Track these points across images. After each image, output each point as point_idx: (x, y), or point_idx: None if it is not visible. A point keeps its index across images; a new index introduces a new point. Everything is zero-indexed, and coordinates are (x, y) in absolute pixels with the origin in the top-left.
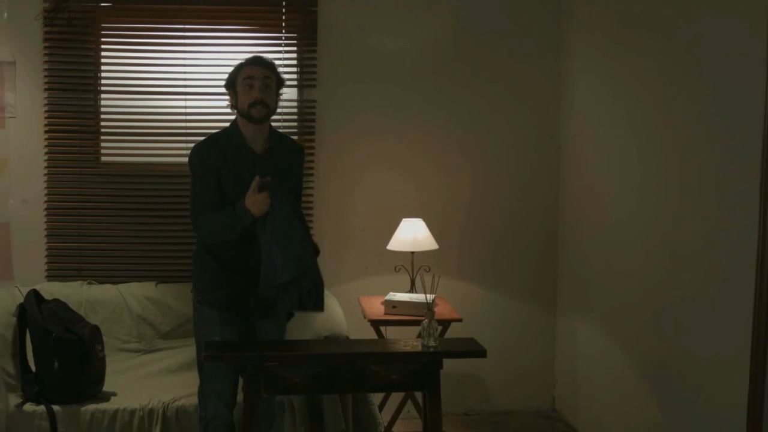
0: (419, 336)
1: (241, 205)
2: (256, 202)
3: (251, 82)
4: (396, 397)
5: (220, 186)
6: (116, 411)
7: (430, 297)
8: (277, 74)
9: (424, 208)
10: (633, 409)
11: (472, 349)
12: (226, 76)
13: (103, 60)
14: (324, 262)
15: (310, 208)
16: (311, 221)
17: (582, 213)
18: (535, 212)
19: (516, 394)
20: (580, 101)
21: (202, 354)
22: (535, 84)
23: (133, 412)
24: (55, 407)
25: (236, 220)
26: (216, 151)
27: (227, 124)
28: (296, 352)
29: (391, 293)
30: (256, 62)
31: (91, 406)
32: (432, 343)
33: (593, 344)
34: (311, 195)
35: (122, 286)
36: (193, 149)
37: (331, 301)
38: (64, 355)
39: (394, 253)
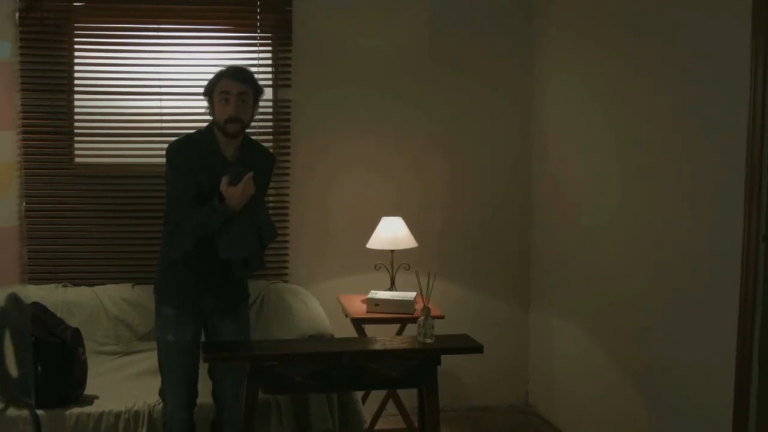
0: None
1: (218, 203)
2: (234, 195)
3: (227, 97)
4: (376, 396)
5: (198, 184)
6: (101, 414)
7: (411, 294)
8: (255, 86)
9: (401, 206)
10: (609, 401)
11: (469, 345)
12: (201, 76)
13: (76, 60)
14: (301, 262)
15: (286, 208)
16: (287, 221)
17: (555, 210)
18: (511, 210)
19: (490, 390)
20: (552, 98)
21: (161, 353)
22: (510, 81)
23: (118, 415)
24: (39, 411)
25: (215, 215)
26: (193, 150)
27: (203, 125)
28: (297, 350)
29: (372, 291)
30: (233, 76)
31: (76, 410)
32: (429, 340)
33: (567, 341)
34: (287, 195)
35: (98, 288)
36: (173, 146)
37: (311, 300)
38: (47, 359)
39: (371, 252)
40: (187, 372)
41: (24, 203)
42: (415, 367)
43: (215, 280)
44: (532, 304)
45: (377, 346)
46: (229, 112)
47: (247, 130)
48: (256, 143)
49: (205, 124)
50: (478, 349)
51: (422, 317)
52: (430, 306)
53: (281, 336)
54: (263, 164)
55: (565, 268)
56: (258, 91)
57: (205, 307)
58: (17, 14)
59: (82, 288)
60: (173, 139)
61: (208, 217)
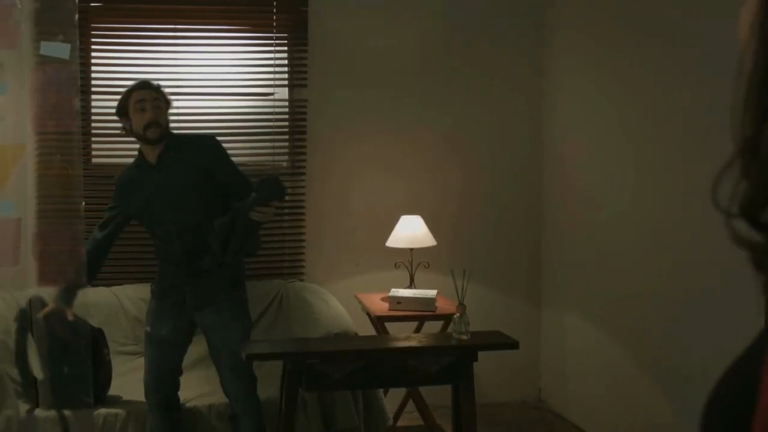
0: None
1: None
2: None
3: (143, 105)
4: (394, 393)
5: (126, 215)
6: (128, 414)
7: (432, 292)
8: (164, 95)
9: (415, 205)
10: (622, 396)
11: (505, 342)
12: (218, 76)
13: (93, 60)
14: (317, 261)
15: (303, 207)
16: (304, 220)
17: (567, 207)
18: (523, 208)
19: (502, 386)
20: (563, 96)
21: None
22: (521, 81)
23: (146, 415)
24: (66, 412)
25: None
26: (123, 175)
27: (216, 125)
28: (338, 348)
29: (393, 289)
30: (143, 87)
31: (103, 411)
32: (465, 337)
33: (579, 336)
34: (303, 194)
35: (117, 289)
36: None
37: (331, 298)
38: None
39: (387, 250)
40: (158, 365)
41: (84, 203)
42: (452, 363)
43: (188, 271)
44: (543, 300)
45: (417, 343)
46: (148, 117)
47: (253, 130)
48: (185, 137)
49: (216, 124)
50: (513, 345)
51: (457, 314)
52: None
53: (304, 335)
54: (195, 152)
55: (577, 264)
56: (167, 101)
57: (185, 300)
58: (76, 16)
59: (101, 288)
60: None
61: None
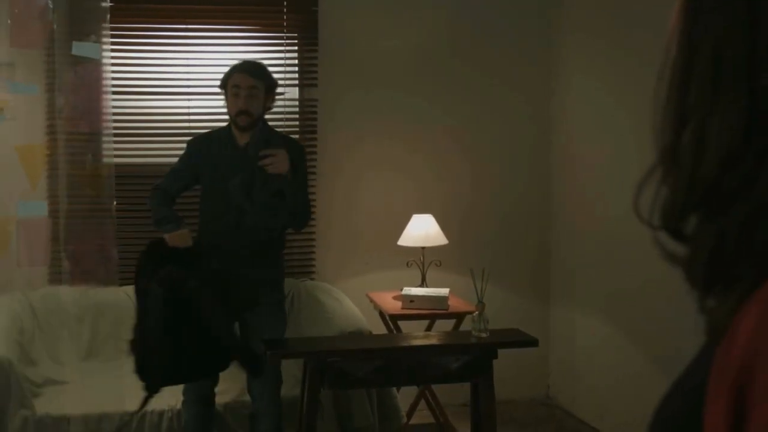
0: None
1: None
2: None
3: (237, 91)
4: (405, 392)
5: (190, 179)
6: (144, 413)
7: (445, 291)
8: (267, 80)
9: (424, 204)
10: (633, 392)
11: (524, 339)
12: None
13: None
14: (327, 260)
15: (313, 206)
16: (314, 219)
17: (576, 204)
18: (531, 207)
19: (511, 384)
20: (571, 96)
21: None
22: (529, 80)
23: (161, 414)
24: (78, 413)
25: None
26: (205, 144)
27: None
28: (361, 346)
29: (406, 288)
30: (244, 70)
31: (119, 409)
32: (484, 335)
33: (588, 332)
34: (313, 193)
35: (129, 288)
36: (189, 140)
37: (343, 297)
38: None
39: (398, 249)
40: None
41: (115, 203)
42: (472, 361)
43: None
44: (552, 297)
45: (437, 341)
46: (239, 106)
47: (272, 124)
48: (279, 135)
49: (226, 124)
50: (532, 342)
51: (476, 312)
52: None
53: (317, 334)
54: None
55: (585, 261)
56: (271, 85)
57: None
58: (108, 16)
59: (112, 288)
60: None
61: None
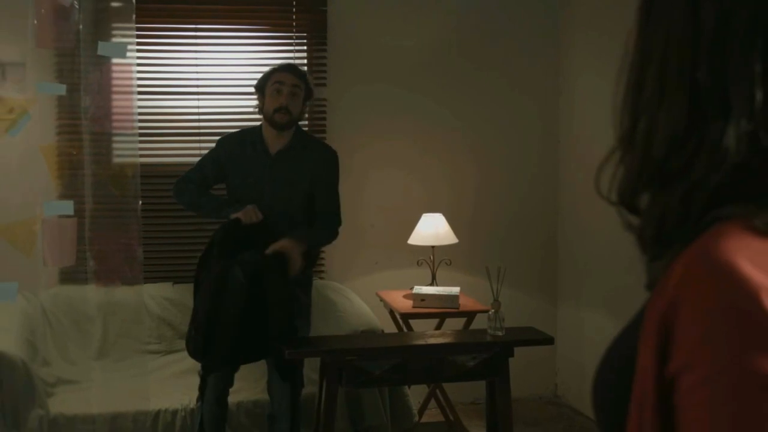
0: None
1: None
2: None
3: (279, 87)
4: (415, 390)
5: (216, 175)
6: (158, 412)
7: (455, 289)
8: (307, 84)
9: (433, 203)
10: None
11: (540, 337)
12: (238, 75)
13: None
14: (336, 259)
15: None
16: None
17: (583, 204)
18: (539, 206)
19: (518, 382)
20: (580, 97)
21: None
22: (537, 80)
23: (174, 413)
24: (92, 412)
25: (217, 211)
26: (234, 145)
27: (237, 123)
28: (379, 345)
29: (416, 287)
30: (288, 69)
31: (132, 409)
32: (500, 333)
33: (597, 331)
34: None
35: (139, 288)
36: (221, 137)
37: (354, 296)
38: None
39: (407, 248)
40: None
41: (140, 202)
42: (488, 359)
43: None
44: (560, 295)
45: (455, 340)
46: (281, 101)
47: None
48: (314, 140)
49: (237, 123)
50: (548, 340)
51: (492, 311)
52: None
53: (328, 333)
54: (314, 159)
55: (593, 259)
56: (309, 90)
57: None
58: (133, 16)
59: (124, 288)
60: (211, 138)
61: (211, 211)
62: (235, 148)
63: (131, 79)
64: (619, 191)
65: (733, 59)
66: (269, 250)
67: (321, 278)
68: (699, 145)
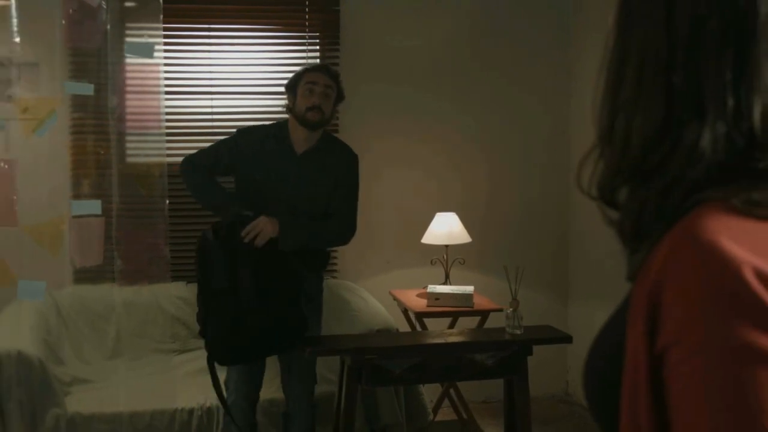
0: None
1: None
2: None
3: (312, 87)
4: (428, 389)
5: (228, 165)
6: (174, 411)
7: (469, 288)
8: (339, 86)
9: (445, 203)
10: None
11: (558, 336)
12: (252, 75)
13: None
14: (348, 258)
15: None
16: None
17: (594, 205)
18: (550, 206)
19: (530, 380)
20: (591, 97)
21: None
22: (548, 81)
23: (191, 412)
24: (109, 411)
25: (222, 209)
26: (256, 140)
27: (249, 123)
28: (399, 344)
29: (430, 286)
30: (321, 69)
31: (149, 408)
32: (518, 331)
33: None
34: None
35: (154, 287)
36: (241, 129)
37: (368, 296)
38: None
39: (420, 247)
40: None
41: (168, 201)
42: (507, 357)
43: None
44: (571, 293)
45: (473, 338)
46: (314, 100)
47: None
48: (337, 139)
49: (251, 123)
50: (567, 339)
51: (510, 309)
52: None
53: (343, 332)
54: (339, 160)
55: (604, 257)
56: (341, 93)
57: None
58: (161, 16)
59: (138, 287)
60: (223, 138)
61: (218, 205)
62: (257, 143)
63: (158, 78)
64: (598, 186)
65: (706, 66)
66: (246, 235)
67: (334, 277)
68: (675, 145)
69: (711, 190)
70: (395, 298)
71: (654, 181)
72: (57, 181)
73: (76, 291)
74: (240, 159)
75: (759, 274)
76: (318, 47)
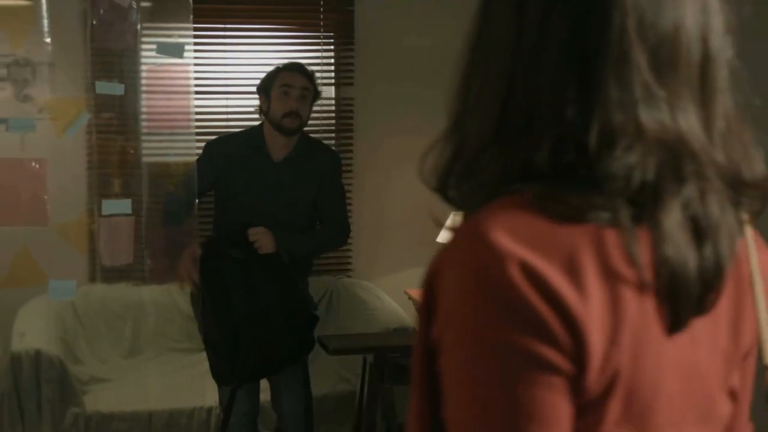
0: None
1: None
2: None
3: (288, 90)
4: None
5: (211, 182)
6: (193, 410)
7: None
8: (315, 85)
9: None
10: None
11: None
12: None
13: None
14: (362, 257)
15: (349, 204)
16: (351, 217)
17: None
18: None
19: None
20: None
21: None
22: None
23: (210, 410)
24: (127, 410)
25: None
26: (226, 151)
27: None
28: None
29: None
30: (296, 69)
31: (167, 406)
32: None
33: None
34: (350, 191)
35: (171, 286)
36: (206, 144)
37: (383, 295)
38: None
39: (433, 246)
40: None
41: (197, 201)
42: None
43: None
44: None
45: None
46: (291, 105)
47: (305, 129)
48: (316, 142)
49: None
50: None
51: None
52: None
53: (359, 331)
54: (321, 165)
55: None
56: (317, 92)
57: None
58: (191, 16)
59: (154, 287)
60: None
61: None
62: (234, 153)
63: (188, 78)
64: (436, 177)
65: (546, 79)
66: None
67: (349, 276)
68: (504, 154)
69: (521, 183)
70: (410, 297)
71: (475, 178)
72: (78, 179)
73: (93, 290)
74: (217, 172)
75: (525, 268)
76: (332, 47)
